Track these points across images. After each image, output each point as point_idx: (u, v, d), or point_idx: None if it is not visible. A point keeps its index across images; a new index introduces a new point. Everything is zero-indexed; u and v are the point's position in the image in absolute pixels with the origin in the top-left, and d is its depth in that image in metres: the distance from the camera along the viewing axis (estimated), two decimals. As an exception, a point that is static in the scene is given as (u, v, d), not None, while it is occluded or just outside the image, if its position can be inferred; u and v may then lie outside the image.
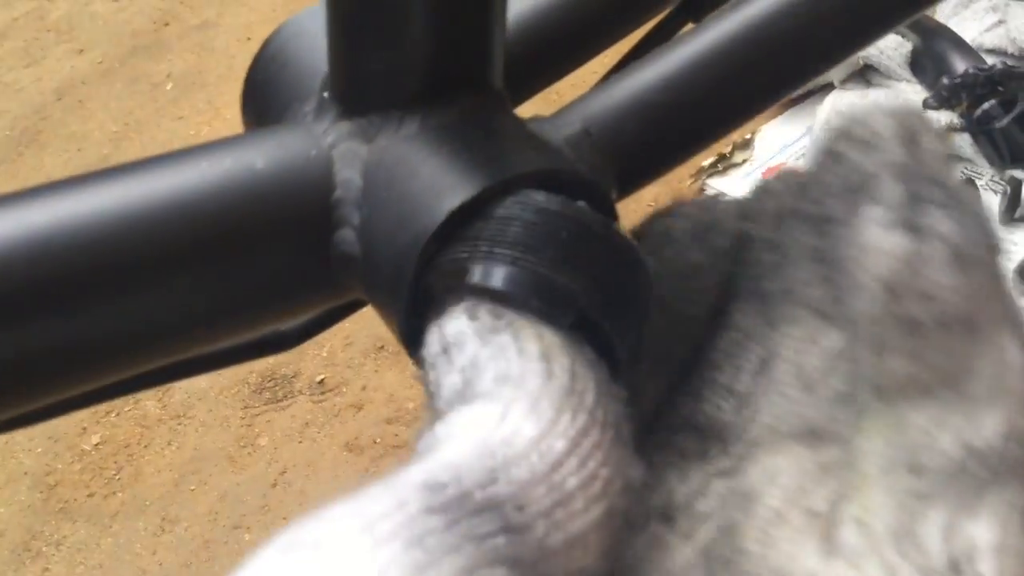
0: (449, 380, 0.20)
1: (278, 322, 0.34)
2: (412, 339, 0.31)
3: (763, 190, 0.24)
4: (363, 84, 0.31)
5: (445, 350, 0.21)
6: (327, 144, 0.31)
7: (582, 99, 0.33)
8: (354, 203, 0.31)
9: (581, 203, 0.25)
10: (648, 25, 0.40)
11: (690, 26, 0.40)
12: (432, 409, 0.20)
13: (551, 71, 0.37)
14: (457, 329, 0.21)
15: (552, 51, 0.37)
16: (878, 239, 0.19)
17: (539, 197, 0.25)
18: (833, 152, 0.21)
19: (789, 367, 0.21)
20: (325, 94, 0.32)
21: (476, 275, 0.23)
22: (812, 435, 0.21)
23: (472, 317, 0.21)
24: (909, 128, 0.21)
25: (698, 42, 0.33)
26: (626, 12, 0.38)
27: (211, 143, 0.31)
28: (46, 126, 1.89)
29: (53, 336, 0.26)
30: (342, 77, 0.32)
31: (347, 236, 0.31)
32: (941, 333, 0.19)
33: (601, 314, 0.23)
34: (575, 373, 0.19)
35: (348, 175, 0.30)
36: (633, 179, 0.33)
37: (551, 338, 0.21)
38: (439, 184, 0.29)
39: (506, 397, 0.18)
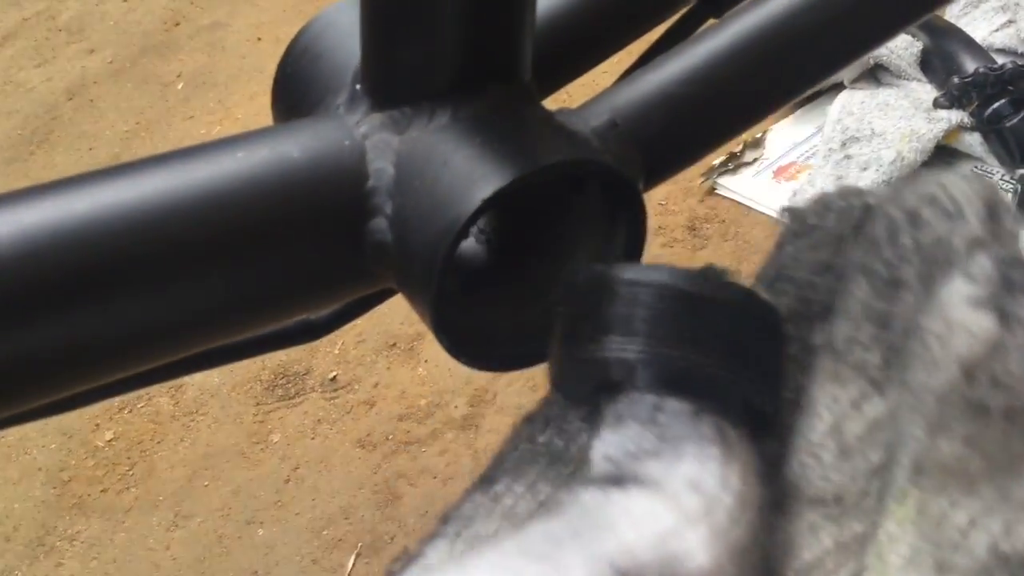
0: (611, 452, 0.20)
1: (312, 309, 0.35)
2: (440, 327, 0.31)
3: (823, 209, 0.23)
4: (396, 76, 0.32)
5: (616, 423, 0.21)
6: (360, 135, 0.32)
7: (609, 91, 0.34)
8: (387, 192, 0.31)
9: (746, 291, 0.23)
10: (671, 20, 0.41)
11: (712, 21, 0.40)
12: (565, 455, 0.21)
13: (577, 64, 0.38)
14: (632, 414, 0.21)
15: (578, 45, 0.38)
16: (965, 317, 0.18)
17: (706, 287, 0.23)
18: (912, 214, 0.21)
19: (826, 428, 0.21)
20: (357, 86, 0.33)
21: (647, 374, 0.22)
22: (838, 504, 0.20)
23: (655, 408, 0.21)
24: (991, 204, 0.21)
25: (721, 37, 0.34)
26: (649, 7, 0.39)
27: (247, 133, 0.32)
28: (57, 125, 1.90)
29: (99, 321, 0.27)
30: (375, 70, 0.32)
31: (380, 225, 0.31)
32: (1004, 426, 0.18)
33: (761, 401, 0.22)
34: (745, 479, 0.19)
35: (381, 165, 0.31)
36: (660, 169, 0.34)
37: (728, 436, 0.21)
38: (471, 174, 0.30)
39: (686, 499, 0.19)
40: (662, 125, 0.33)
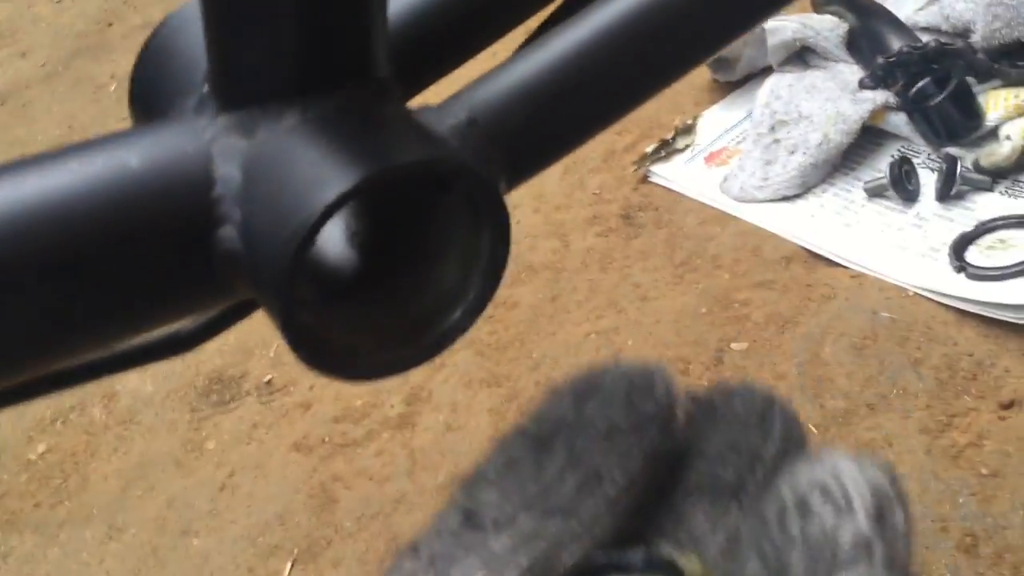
0: None
1: (167, 322, 0.33)
2: (293, 338, 0.30)
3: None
4: (241, 77, 0.30)
5: None
6: (207, 139, 0.30)
7: (468, 88, 0.33)
8: (235, 199, 0.30)
9: None
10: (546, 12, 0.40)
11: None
12: None
13: (444, 61, 0.37)
14: None
15: (445, 40, 0.36)
16: None
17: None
18: (802, 502, 0.22)
19: None
20: (206, 88, 0.32)
21: None
22: None
23: None
24: (882, 499, 0.22)
25: (582, 27, 0.33)
26: (518, 1, 0.38)
27: (86, 142, 0.30)
28: (-10, 132, 1.86)
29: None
30: (220, 70, 0.31)
31: (229, 233, 0.30)
32: None
33: None
34: None
35: (228, 171, 0.30)
36: (524, 167, 0.33)
37: None
38: (316, 177, 0.28)
39: None
40: (523, 121, 0.32)
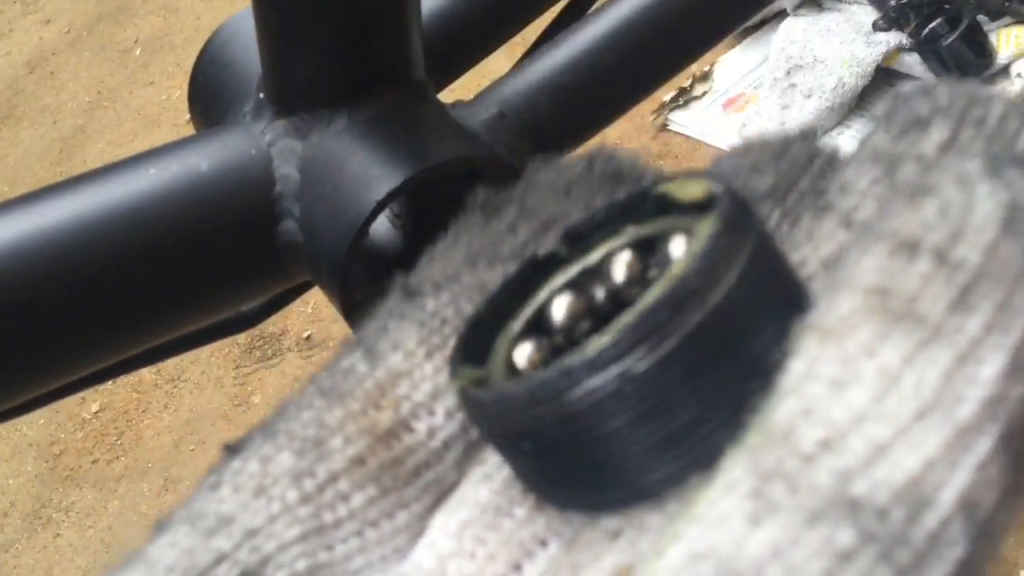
0: None
1: (237, 306, 0.38)
2: (350, 313, 0.34)
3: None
4: (293, 85, 0.34)
5: None
6: (266, 143, 0.34)
7: (497, 84, 0.36)
8: (294, 196, 0.34)
9: None
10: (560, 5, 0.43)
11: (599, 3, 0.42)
12: None
13: (469, 56, 0.40)
14: None
15: (468, 37, 0.40)
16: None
17: None
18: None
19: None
20: (261, 95, 0.35)
21: None
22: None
23: None
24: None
25: (600, 23, 0.36)
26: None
27: (159, 148, 0.34)
28: (20, 100, 1.90)
29: (31, 337, 0.30)
30: (273, 79, 0.35)
31: (290, 227, 0.34)
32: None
33: None
34: None
35: (286, 171, 0.34)
36: (550, 154, 0.36)
37: None
38: (366, 176, 0.32)
39: None
40: (549, 112, 0.35)
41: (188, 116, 0.40)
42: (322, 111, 0.34)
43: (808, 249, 0.18)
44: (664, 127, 1.21)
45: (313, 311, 1.19)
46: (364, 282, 0.36)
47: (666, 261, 0.17)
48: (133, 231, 0.31)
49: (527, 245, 0.20)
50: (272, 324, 1.19)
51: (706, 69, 1.23)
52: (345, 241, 0.32)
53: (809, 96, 1.09)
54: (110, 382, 1.20)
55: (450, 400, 0.18)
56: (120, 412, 1.17)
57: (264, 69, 0.35)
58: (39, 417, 1.18)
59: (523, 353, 0.17)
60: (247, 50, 0.38)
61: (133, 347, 0.33)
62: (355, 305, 0.34)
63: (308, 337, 1.17)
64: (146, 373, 1.20)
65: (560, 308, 0.17)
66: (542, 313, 0.18)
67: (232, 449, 0.18)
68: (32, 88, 1.93)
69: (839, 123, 1.11)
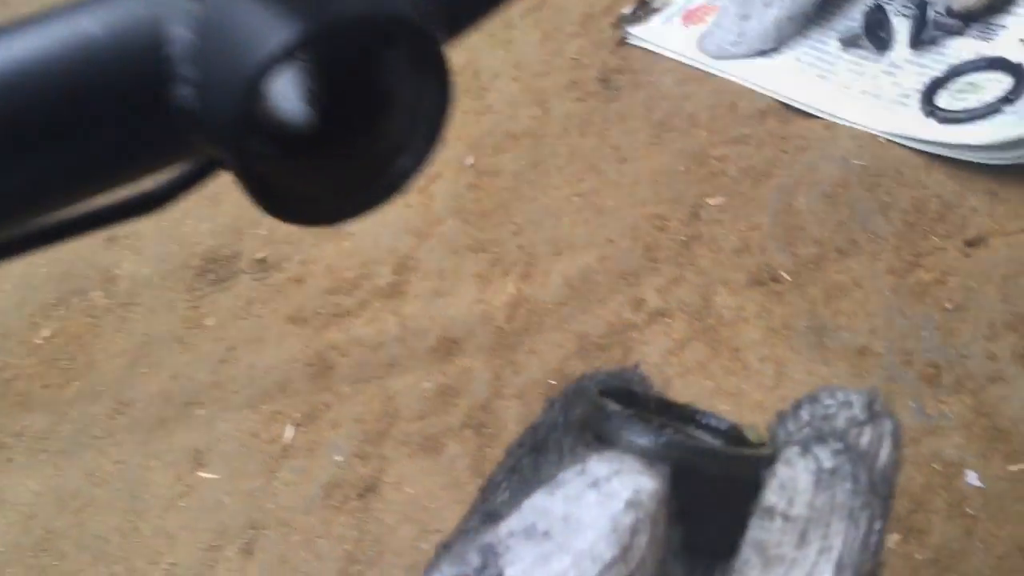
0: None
1: (135, 179, 0.36)
2: (253, 189, 0.32)
3: None
4: (186, -59, 0.32)
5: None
6: (158, 3, 0.32)
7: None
8: (189, 59, 0.32)
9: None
10: None
11: None
12: None
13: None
14: None
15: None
16: None
17: None
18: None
19: None
20: (154, -46, 0.33)
21: None
22: None
23: None
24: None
25: None
26: None
27: (50, 11, 0.32)
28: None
29: None
30: (165, -64, 0.32)
31: (185, 91, 0.32)
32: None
33: None
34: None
35: (179, 32, 0.32)
36: (461, 22, 0.35)
37: None
38: (260, 32, 0.30)
39: None
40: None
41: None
42: (219, -32, 0.32)
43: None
44: (623, 41, 1.18)
45: (268, 233, 1.17)
46: (272, 158, 0.35)
47: None
48: (20, 94, 0.30)
49: None
50: (224, 247, 1.17)
51: (665, -19, 1.21)
52: (238, 99, 0.30)
53: (769, 5, 1.07)
54: (63, 308, 1.19)
55: None
56: (72, 336, 1.15)
57: (155, -76, 0.33)
58: (-11, 343, 1.16)
59: None
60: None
61: (26, 216, 0.32)
62: (260, 179, 0.33)
63: (262, 259, 1.15)
64: (98, 297, 1.18)
65: None
66: None
67: None
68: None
69: (798, 33, 1.09)
